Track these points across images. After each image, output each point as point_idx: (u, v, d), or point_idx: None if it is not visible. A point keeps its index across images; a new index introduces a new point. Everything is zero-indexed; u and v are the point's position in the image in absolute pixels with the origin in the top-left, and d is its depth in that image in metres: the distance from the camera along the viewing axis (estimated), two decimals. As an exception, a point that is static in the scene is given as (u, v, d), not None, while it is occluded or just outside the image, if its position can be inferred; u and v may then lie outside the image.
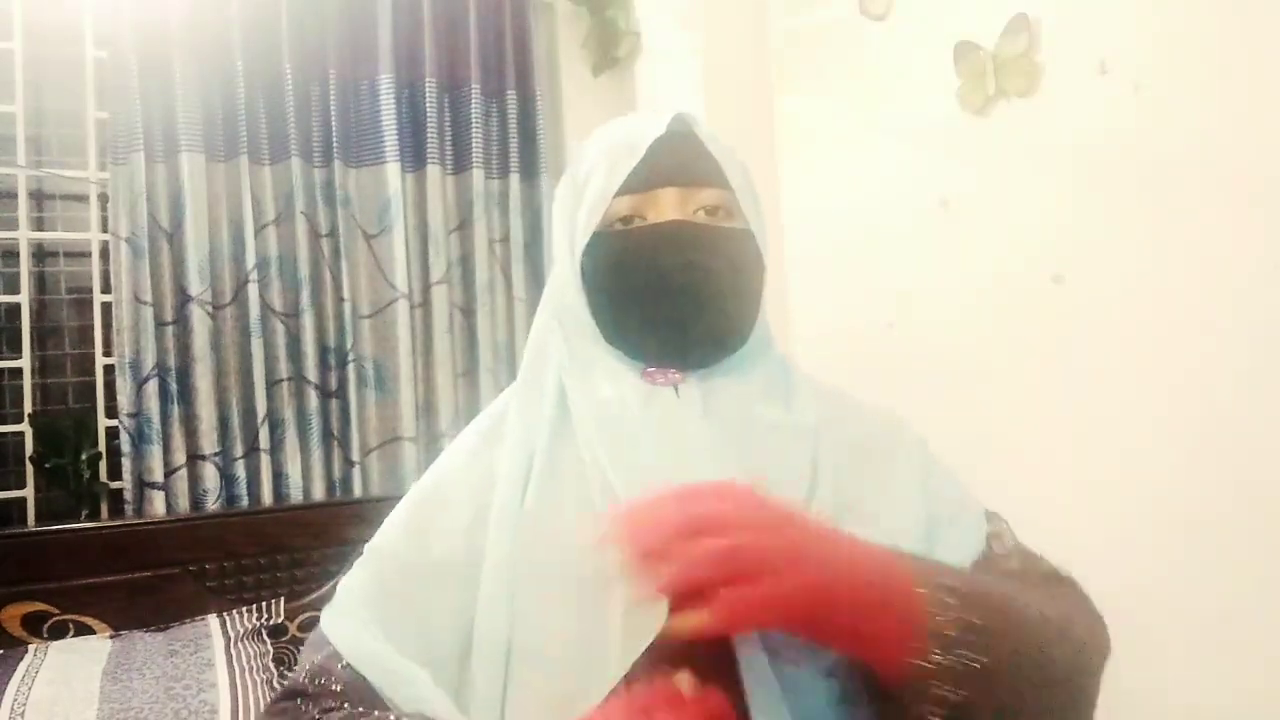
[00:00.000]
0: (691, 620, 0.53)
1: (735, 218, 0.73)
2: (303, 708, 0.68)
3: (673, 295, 0.70)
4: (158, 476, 1.74)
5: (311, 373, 1.90)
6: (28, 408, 1.78)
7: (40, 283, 1.87)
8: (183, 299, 1.79)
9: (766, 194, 2.04)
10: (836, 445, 0.72)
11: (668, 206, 0.71)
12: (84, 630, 1.60)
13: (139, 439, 1.74)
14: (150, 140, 1.76)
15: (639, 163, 0.71)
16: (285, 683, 0.73)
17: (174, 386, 1.77)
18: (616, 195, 0.71)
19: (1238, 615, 1.21)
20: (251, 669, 1.50)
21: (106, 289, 1.80)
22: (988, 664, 0.56)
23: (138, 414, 1.74)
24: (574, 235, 0.74)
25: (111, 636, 1.58)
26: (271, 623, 1.69)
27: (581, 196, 0.73)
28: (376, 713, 0.65)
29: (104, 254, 1.82)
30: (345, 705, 0.67)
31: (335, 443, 1.94)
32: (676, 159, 0.72)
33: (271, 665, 1.57)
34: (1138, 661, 1.32)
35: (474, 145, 2.06)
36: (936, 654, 0.55)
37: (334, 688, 0.68)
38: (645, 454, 0.68)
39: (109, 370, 1.81)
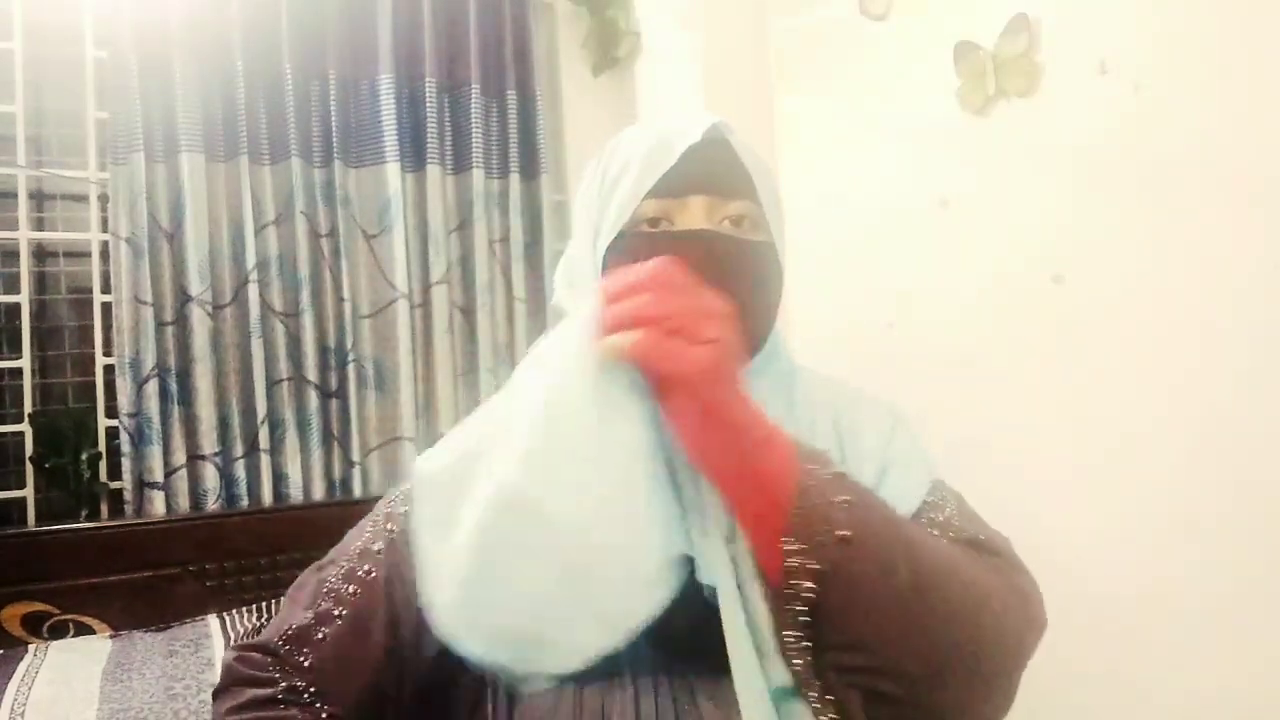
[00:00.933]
0: (621, 340, 0.58)
1: (760, 230, 0.74)
2: (271, 671, 0.70)
3: None
4: (158, 476, 1.74)
5: (311, 373, 1.90)
6: (28, 408, 1.78)
7: (40, 283, 1.87)
8: (183, 299, 1.79)
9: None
10: (829, 438, 0.73)
11: (696, 214, 0.71)
12: (84, 630, 1.60)
13: (139, 439, 1.74)
14: (150, 140, 1.76)
15: (671, 167, 0.71)
16: (262, 633, 0.74)
17: (174, 386, 1.77)
18: (646, 198, 0.71)
19: (1238, 614, 1.21)
20: (251, 669, 1.50)
21: (106, 289, 1.80)
22: (853, 540, 0.58)
23: (138, 414, 1.74)
24: (599, 231, 0.74)
25: (111, 636, 1.58)
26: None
27: (611, 194, 0.73)
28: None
29: (104, 254, 1.82)
30: (311, 689, 0.68)
31: (335, 443, 1.94)
32: (709, 167, 0.72)
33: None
34: (1138, 659, 1.32)
35: (474, 145, 2.06)
36: (803, 509, 0.58)
37: (303, 661, 0.69)
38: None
39: (109, 370, 1.81)
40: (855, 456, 0.72)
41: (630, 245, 0.72)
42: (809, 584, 0.57)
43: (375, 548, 0.74)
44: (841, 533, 0.58)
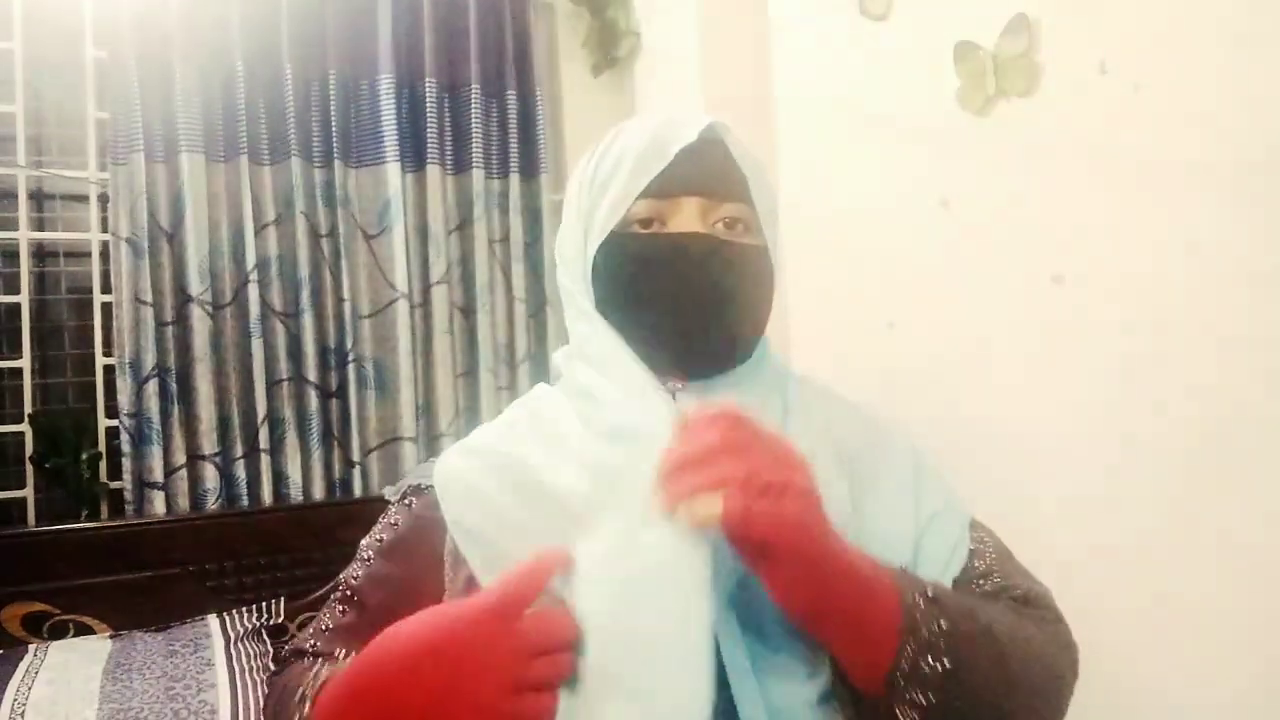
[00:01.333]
0: (707, 507, 0.54)
1: (753, 233, 0.73)
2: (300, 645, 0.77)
3: (681, 308, 0.70)
4: (158, 476, 1.74)
5: (311, 373, 1.90)
6: (28, 408, 1.78)
7: (40, 283, 1.87)
8: (183, 299, 1.79)
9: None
10: (827, 455, 0.72)
11: (689, 216, 0.70)
12: (84, 630, 1.60)
13: (139, 439, 1.74)
14: (150, 140, 1.76)
15: (665, 168, 0.70)
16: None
17: (174, 386, 1.77)
18: (638, 198, 0.70)
19: (1237, 614, 1.21)
20: (251, 669, 1.50)
21: (106, 289, 1.80)
22: (955, 669, 0.58)
23: (138, 414, 1.74)
24: (589, 230, 0.73)
25: (111, 636, 1.58)
26: (271, 623, 1.69)
27: (603, 193, 0.72)
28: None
29: (104, 254, 1.82)
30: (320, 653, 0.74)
31: (335, 443, 1.94)
32: (703, 169, 0.71)
33: (272, 665, 1.57)
34: (1137, 662, 1.32)
35: (474, 145, 2.06)
36: (910, 650, 0.57)
37: (311, 646, 0.76)
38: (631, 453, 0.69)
39: (109, 370, 1.81)
40: (872, 503, 0.70)
41: (622, 246, 0.71)
42: (915, 716, 0.58)
43: (356, 574, 0.78)
44: (946, 664, 0.58)
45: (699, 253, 0.70)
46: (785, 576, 0.57)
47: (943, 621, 0.59)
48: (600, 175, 0.73)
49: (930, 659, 0.58)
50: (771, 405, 0.74)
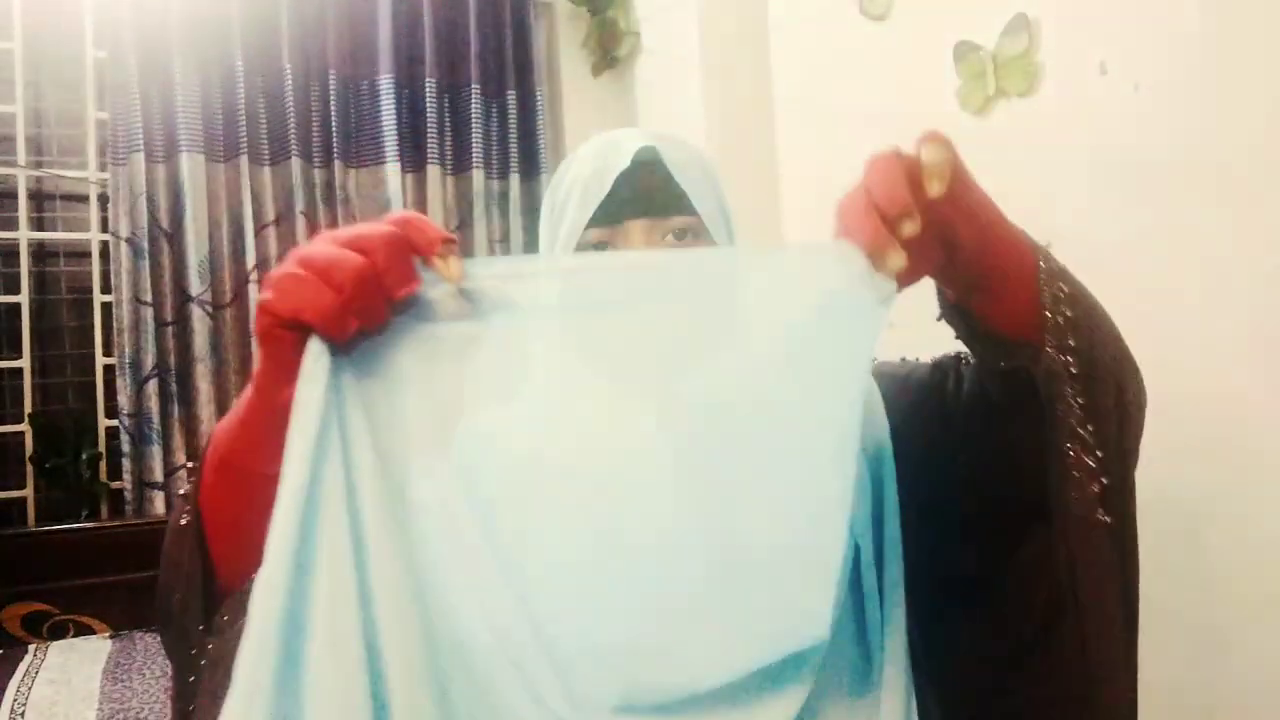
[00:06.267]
0: (895, 261, 0.56)
1: (703, 239, 0.77)
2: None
3: None
4: (158, 476, 1.74)
5: (311, 373, 1.90)
6: (28, 408, 1.78)
7: (40, 283, 1.87)
8: (183, 299, 1.79)
9: (766, 194, 2.02)
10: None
11: (636, 238, 0.74)
12: (84, 630, 1.60)
13: (139, 439, 1.74)
14: (150, 140, 1.76)
15: (606, 196, 0.73)
16: None
17: (174, 386, 1.77)
18: (588, 227, 0.74)
19: (1238, 616, 1.21)
20: (251, 669, 1.50)
21: (106, 289, 1.80)
22: (1078, 315, 0.65)
23: (138, 414, 1.74)
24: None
25: (111, 636, 1.58)
26: (271, 623, 1.69)
27: (559, 224, 0.77)
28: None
29: (104, 254, 1.82)
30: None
31: (335, 443, 1.94)
32: (642, 190, 0.74)
33: None
34: (1144, 660, 1.32)
35: (474, 145, 2.06)
36: (1047, 294, 0.64)
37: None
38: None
39: (109, 370, 1.81)
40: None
41: None
42: (1070, 342, 0.64)
43: None
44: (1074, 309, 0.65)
45: None
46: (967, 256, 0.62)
47: (1068, 283, 0.67)
48: (555, 206, 0.78)
49: (1060, 276, 0.65)
50: None
